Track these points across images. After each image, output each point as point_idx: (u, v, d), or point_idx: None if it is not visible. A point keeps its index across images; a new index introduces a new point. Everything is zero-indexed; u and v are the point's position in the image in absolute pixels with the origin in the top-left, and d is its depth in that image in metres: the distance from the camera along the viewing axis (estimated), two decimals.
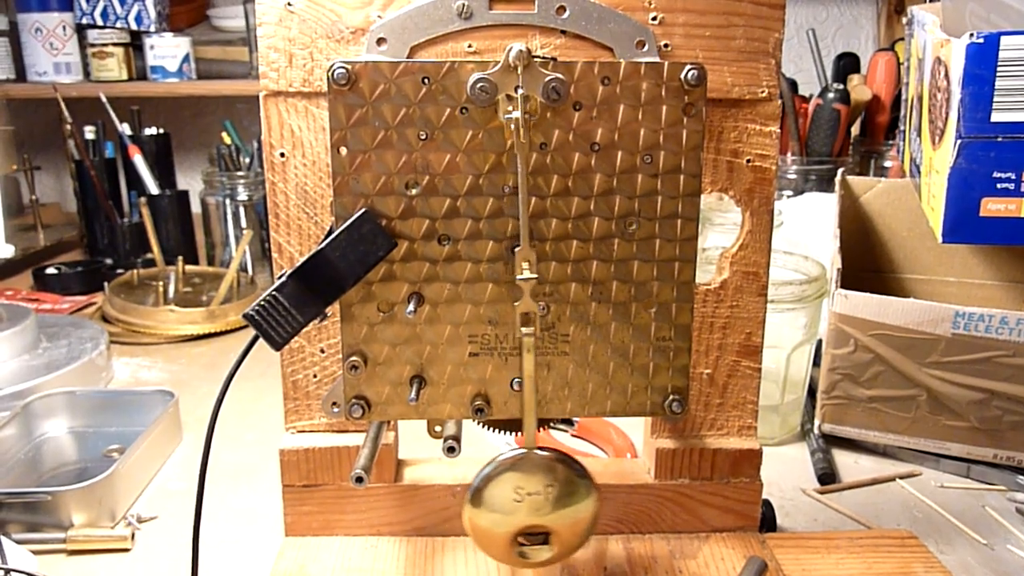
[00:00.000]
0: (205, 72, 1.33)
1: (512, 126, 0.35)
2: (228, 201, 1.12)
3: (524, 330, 0.36)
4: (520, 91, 0.34)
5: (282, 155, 0.45)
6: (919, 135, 0.70)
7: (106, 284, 1.02)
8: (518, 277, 0.35)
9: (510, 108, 0.35)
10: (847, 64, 1.28)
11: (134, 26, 1.22)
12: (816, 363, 0.73)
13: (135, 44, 1.25)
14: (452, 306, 0.38)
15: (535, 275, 0.34)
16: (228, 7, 1.41)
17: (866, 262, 0.82)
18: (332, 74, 0.35)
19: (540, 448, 0.37)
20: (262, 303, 0.34)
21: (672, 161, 0.37)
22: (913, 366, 0.63)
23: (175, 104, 1.38)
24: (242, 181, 1.12)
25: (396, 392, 0.39)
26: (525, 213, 0.35)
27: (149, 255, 1.15)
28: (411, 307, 0.36)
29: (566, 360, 0.39)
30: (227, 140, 1.16)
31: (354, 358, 0.38)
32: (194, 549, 0.39)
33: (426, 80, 0.35)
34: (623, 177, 0.37)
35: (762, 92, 0.46)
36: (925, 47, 0.67)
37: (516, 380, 0.39)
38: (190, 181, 1.46)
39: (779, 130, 0.47)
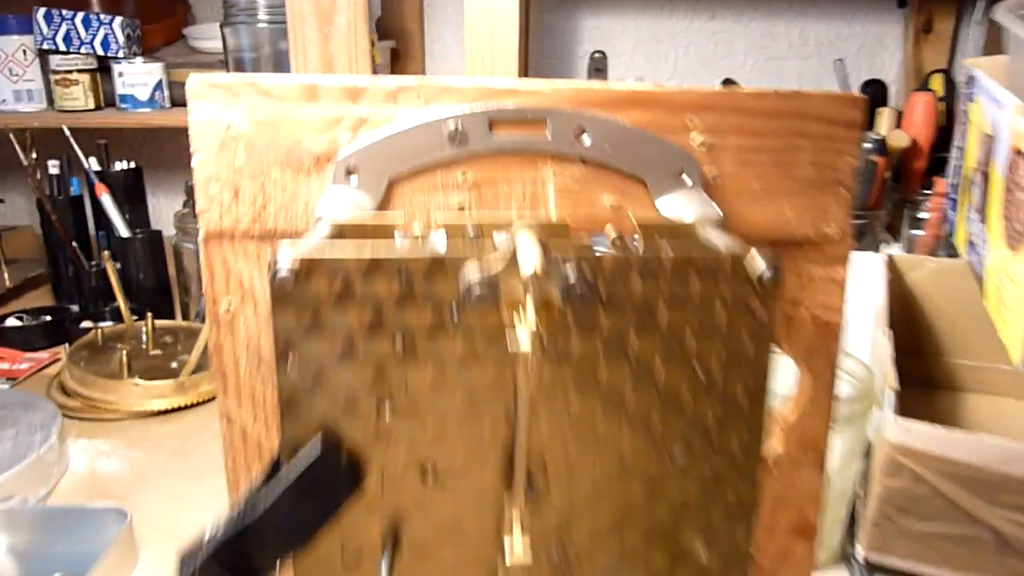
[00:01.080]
0: (180, 98, 1.22)
1: (515, 346, 0.26)
2: None
3: None
4: (530, 317, 0.24)
5: (228, 309, 0.36)
6: (983, 219, 0.61)
7: (66, 346, 0.93)
8: (507, 559, 0.26)
9: (515, 313, 0.26)
10: (875, 94, 1.18)
11: (101, 51, 1.11)
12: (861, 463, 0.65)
13: (103, 70, 1.15)
14: (437, 553, 0.29)
15: (526, 559, 0.25)
16: (207, 24, 1.30)
17: (911, 344, 0.73)
18: (274, 276, 0.25)
19: None
20: None
21: (731, 378, 0.28)
22: (980, 504, 0.54)
23: (147, 135, 1.28)
24: None
25: None
26: (522, 470, 0.26)
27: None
28: (385, 557, 0.27)
29: None
30: None
31: None
32: None
33: (404, 275, 0.26)
34: (664, 398, 0.28)
35: (830, 230, 0.37)
36: (998, 126, 0.58)
37: None
38: (164, 218, 1.36)
39: (848, 276, 0.38)
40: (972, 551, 0.56)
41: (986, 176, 0.60)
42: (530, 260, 0.23)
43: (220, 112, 0.34)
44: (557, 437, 0.27)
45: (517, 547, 0.26)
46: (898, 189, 1.01)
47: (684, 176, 0.35)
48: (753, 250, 0.26)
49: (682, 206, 0.35)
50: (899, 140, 0.94)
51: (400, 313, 0.26)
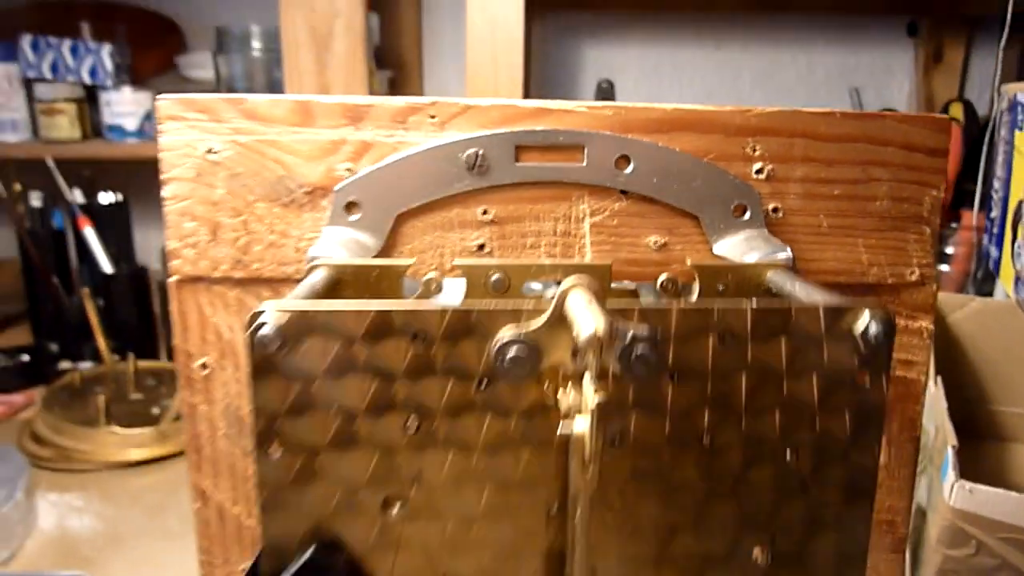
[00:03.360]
0: None
1: (565, 429, 0.20)
2: None
3: None
4: (590, 394, 0.19)
5: (204, 367, 0.30)
6: None
7: (42, 388, 0.87)
8: None
9: (562, 380, 0.20)
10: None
11: (88, 80, 1.07)
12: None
13: (90, 99, 1.10)
14: None
15: None
16: (199, 54, 1.26)
17: (953, 391, 0.67)
18: (253, 336, 0.20)
19: None
20: None
21: (833, 462, 0.22)
22: None
23: (135, 167, 1.23)
24: None
25: None
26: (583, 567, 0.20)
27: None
28: None
29: None
30: None
31: None
32: None
33: (418, 337, 0.20)
34: (748, 487, 0.22)
35: (911, 274, 0.32)
36: None
37: None
38: (149, 253, 1.30)
39: (932, 327, 0.32)
40: None
41: None
42: (588, 318, 0.18)
43: (197, 136, 0.29)
44: (614, 542, 0.21)
45: None
46: None
47: (744, 212, 0.30)
48: (856, 302, 0.21)
49: (742, 247, 0.29)
50: None
51: (413, 384, 0.20)
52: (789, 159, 0.30)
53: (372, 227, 0.29)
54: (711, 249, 0.30)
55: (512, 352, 0.19)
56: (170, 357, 1.01)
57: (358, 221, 0.29)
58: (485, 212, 0.30)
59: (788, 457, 0.21)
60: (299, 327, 0.20)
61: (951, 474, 0.48)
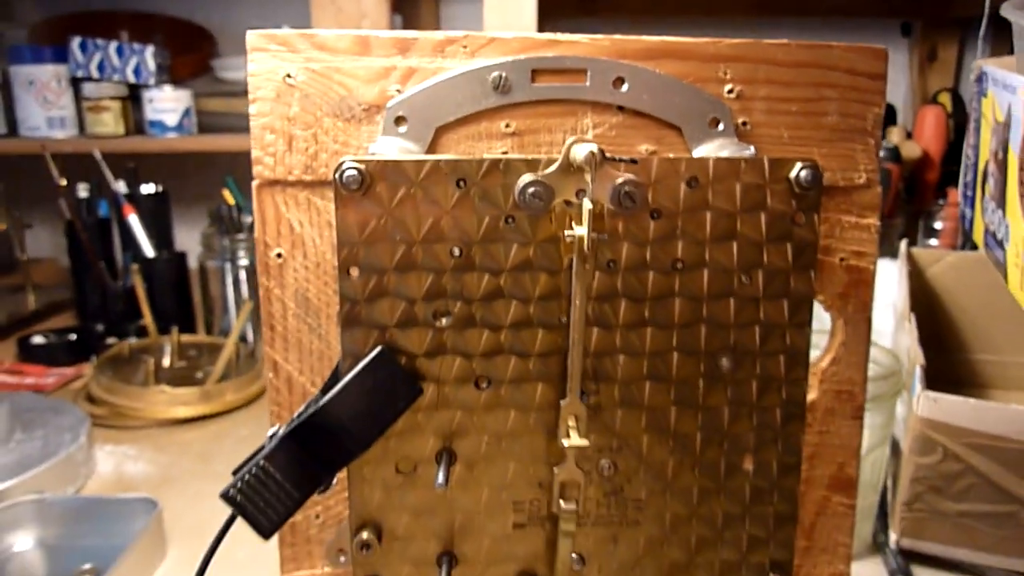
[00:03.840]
0: (207, 126, 1.26)
1: (570, 238, 0.27)
2: (228, 265, 1.04)
3: (563, 505, 0.28)
4: (586, 202, 0.26)
5: (279, 256, 0.37)
6: (1001, 208, 0.63)
7: (94, 357, 0.94)
8: (561, 440, 0.27)
9: (569, 218, 0.27)
10: (884, 115, 1.21)
11: (132, 79, 1.15)
12: (891, 457, 0.64)
13: (133, 97, 1.19)
14: (492, 465, 0.29)
15: (583, 441, 0.26)
16: (233, 57, 1.35)
17: (934, 341, 0.73)
18: (341, 176, 0.27)
19: None
20: (246, 478, 0.26)
21: (776, 282, 0.29)
22: (1013, 480, 0.54)
23: (174, 160, 1.32)
24: (243, 244, 1.04)
25: (420, 573, 0.30)
26: (578, 358, 0.27)
27: (142, 322, 1.07)
28: (441, 474, 0.28)
29: (637, 532, 0.30)
30: (229, 199, 1.09)
31: (365, 533, 0.29)
32: None
33: (462, 183, 0.27)
34: (713, 303, 0.29)
35: (859, 178, 0.38)
36: (1010, 111, 0.59)
37: (575, 556, 0.30)
38: (189, 241, 1.38)
39: (879, 222, 0.39)
40: (1007, 530, 0.55)
41: (1002, 163, 0.62)
42: (585, 147, 0.24)
43: (277, 64, 0.36)
44: (608, 350, 0.28)
45: (575, 438, 0.26)
46: (912, 201, 1.03)
47: (718, 124, 0.37)
48: (796, 160, 0.28)
49: (717, 152, 0.36)
50: (911, 150, 0.96)
51: (456, 219, 0.27)
52: (754, 81, 0.37)
53: (416, 138, 0.36)
54: (692, 155, 0.37)
55: (531, 190, 0.26)
56: (208, 332, 1.09)
57: (405, 133, 0.36)
58: (507, 126, 0.36)
59: (744, 280, 0.28)
60: (373, 172, 0.27)
61: (918, 387, 0.54)
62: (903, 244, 0.70)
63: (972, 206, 0.73)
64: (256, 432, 0.87)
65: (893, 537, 0.60)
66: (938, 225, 0.99)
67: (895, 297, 0.68)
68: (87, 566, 0.59)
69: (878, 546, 0.62)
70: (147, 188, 1.14)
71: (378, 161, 0.27)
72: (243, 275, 1.05)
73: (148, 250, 1.10)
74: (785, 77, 0.37)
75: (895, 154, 0.93)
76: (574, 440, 0.26)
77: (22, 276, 1.27)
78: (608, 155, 0.26)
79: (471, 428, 0.29)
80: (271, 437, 0.27)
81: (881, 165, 0.93)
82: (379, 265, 0.28)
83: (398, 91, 0.36)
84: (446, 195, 0.27)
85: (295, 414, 0.27)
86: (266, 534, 0.27)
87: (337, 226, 0.27)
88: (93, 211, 1.14)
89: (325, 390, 0.28)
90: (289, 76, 0.36)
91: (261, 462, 0.26)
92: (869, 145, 0.38)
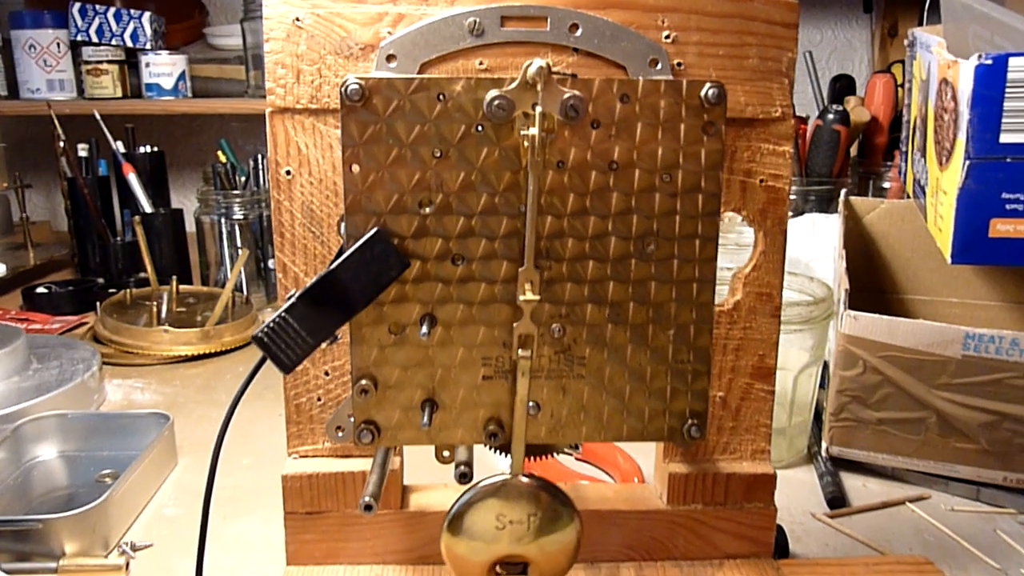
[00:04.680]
0: (201, 90, 1.32)
1: (528, 144, 0.34)
2: (223, 220, 1.11)
3: (521, 352, 0.35)
4: (538, 108, 0.33)
5: (288, 173, 0.44)
6: (923, 156, 0.70)
7: (98, 304, 1.00)
8: (519, 298, 0.34)
9: (527, 125, 0.34)
10: (843, 86, 1.28)
11: (130, 44, 1.21)
12: (823, 385, 0.73)
13: (130, 62, 1.24)
14: (465, 328, 0.37)
15: (536, 296, 0.33)
16: (224, 25, 1.40)
17: (869, 283, 0.81)
18: (345, 90, 0.34)
19: (525, 475, 0.36)
20: (271, 325, 0.33)
21: (691, 180, 0.36)
22: (922, 388, 0.62)
23: (169, 122, 1.37)
24: (237, 200, 1.11)
25: (407, 417, 0.38)
26: (532, 233, 0.34)
27: (141, 275, 1.14)
28: (424, 329, 0.35)
29: (582, 383, 0.38)
30: (222, 158, 1.15)
31: (364, 382, 0.37)
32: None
33: (441, 97, 0.34)
34: (641, 196, 0.36)
35: (775, 112, 0.46)
36: (930, 68, 0.67)
37: (532, 403, 0.38)
38: (183, 200, 1.45)
39: (792, 150, 0.47)
40: (920, 434, 0.64)
41: (924, 116, 0.69)
42: (536, 64, 0.32)
43: (288, 8, 0.43)
44: (558, 234, 0.35)
45: (529, 294, 0.34)
46: (863, 163, 1.11)
47: (657, 64, 0.44)
48: (705, 81, 0.35)
49: None
50: (860, 115, 1.03)
51: (438, 126, 0.34)
52: (687, 29, 0.44)
53: (404, 72, 0.43)
54: None
55: (496, 103, 0.33)
56: (204, 283, 1.15)
57: (395, 68, 0.43)
58: (481, 63, 0.43)
59: (666, 178, 0.35)
60: (371, 88, 0.34)
61: (842, 308, 0.62)
62: (843, 192, 0.77)
63: (906, 160, 0.81)
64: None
65: (824, 446, 0.68)
66: (886, 185, 1.08)
67: (836, 235, 0.76)
68: (106, 471, 0.66)
69: (812, 456, 0.70)
70: (144, 148, 1.20)
71: (375, 79, 0.34)
72: (237, 229, 1.11)
73: (146, 206, 1.16)
74: (713, 26, 0.44)
75: (844, 117, 1.01)
76: (528, 296, 0.34)
77: (22, 234, 1.33)
78: (553, 71, 0.33)
79: (448, 297, 0.37)
80: (289, 298, 0.34)
81: (830, 127, 1.01)
82: (375, 163, 0.35)
83: (389, 33, 0.43)
84: (429, 107, 0.34)
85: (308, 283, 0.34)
86: (286, 370, 0.34)
87: (342, 131, 0.34)
88: (92, 170, 1.20)
89: (334, 260, 0.35)
90: (298, 19, 0.43)
91: (282, 314, 0.33)
92: (784, 84, 0.45)
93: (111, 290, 1.14)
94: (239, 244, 1.11)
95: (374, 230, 0.35)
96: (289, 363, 0.33)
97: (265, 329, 0.33)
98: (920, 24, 1.56)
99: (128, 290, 1.04)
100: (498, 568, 0.37)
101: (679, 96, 0.35)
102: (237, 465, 0.69)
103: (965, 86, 0.55)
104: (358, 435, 0.37)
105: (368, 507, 0.36)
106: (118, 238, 1.20)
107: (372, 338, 0.36)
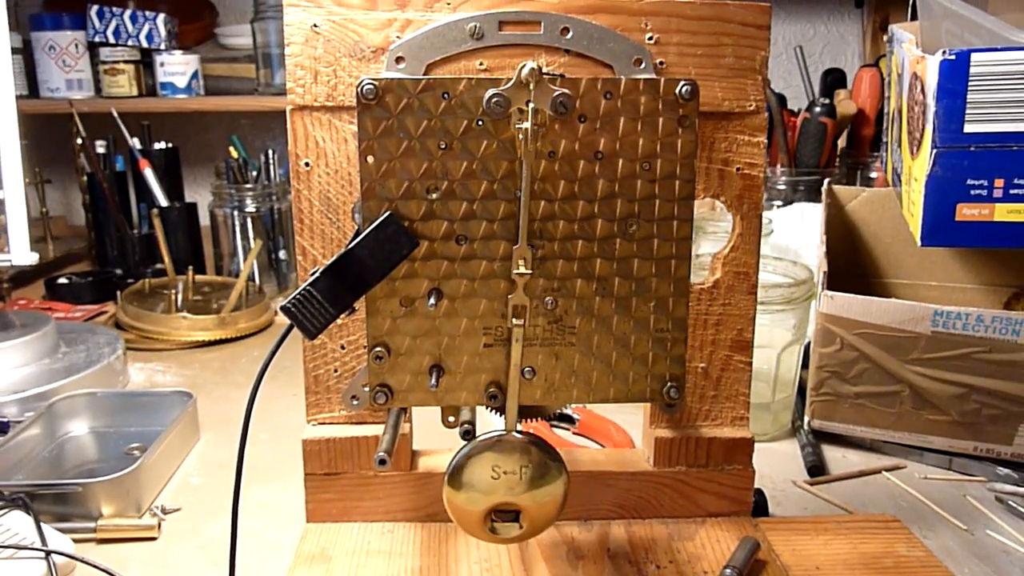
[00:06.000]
0: (212, 88, 1.37)
1: (522, 136, 0.38)
2: (236, 213, 1.15)
3: (515, 321, 0.40)
4: (531, 105, 0.38)
5: (307, 164, 0.49)
6: (900, 146, 0.75)
7: (118, 293, 1.05)
8: (513, 272, 0.39)
9: (521, 120, 0.39)
10: (834, 79, 1.33)
11: (145, 44, 1.25)
12: (805, 363, 0.77)
13: (145, 62, 1.29)
14: (468, 301, 0.41)
15: (529, 271, 0.38)
16: (235, 25, 1.45)
17: (852, 267, 0.85)
18: (361, 90, 0.38)
19: (518, 432, 0.41)
20: (298, 296, 0.38)
21: (668, 168, 0.41)
22: (896, 363, 0.66)
23: (183, 119, 1.42)
24: (250, 193, 1.15)
25: (416, 380, 0.42)
26: (525, 214, 0.39)
27: (159, 266, 1.18)
28: (431, 301, 0.40)
29: (573, 350, 0.42)
30: (234, 154, 1.20)
31: (379, 349, 0.41)
32: (233, 529, 0.42)
33: (446, 95, 0.39)
34: (624, 183, 0.41)
35: (750, 106, 0.50)
36: (904, 63, 0.71)
37: (527, 368, 0.42)
38: (196, 194, 1.49)
39: (766, 141, 0.51)
40: (895, 407, 0.68)
41: (899, 108, 0.73)
42: (528, 65, 0.36)
43: (306, 16, 0.47)
44: (550, 216, 0.40)
45: (522, 268, 0.38)
46: (851, 154, 1.15)
47: (641, 63, 0.48)
48: (680, 79, 0.40)
49: None
50: (847, 107, 1.08)
51: (443, 121, 0.39)
52: (668, 31, 0.48)
53: (411, 73, 0.47)
54: None
55: (494, 100, 0.38)
56: (218, 273, 1.20)
57: (403, 69, 0.47)
58: (481, 63, 0.48)
59: (645, 166, 0.40)
60: (384, 87, 0.38)
61: (820, 289, 0.67)
62: (826, 182, 0.82)
63: (887, 151, 0.85)
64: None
65: (807, 420, 0.73)
66: (873, 175, 1.12)
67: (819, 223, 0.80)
68: (134, 445, 0.71)
69: (795, 430, 0.75)
70: (159, 145, 1.25)
71: (387, 80, 0.38)
72: (249, 222, 1.16)
73: (162, 200, 1.21)
74: (692, 28, 0.49)
75: (831, 110, 1.05)
76: (521, 270, 0.38)
77: (42, 227, 1.38)
78: (544, 72, 0.38)
79: (453, 273, 0.41)
80: (313, 273, 0.38)
81: (817, 119, 1.05)
82: (387, 154, 0.39)
83: (398, 37, 0.47)
84: (435, 104, 0.39)
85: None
86: (311, 336, 0.38)
87: (358, 126, 0.39)
88: (110, 165, 1.25)
89: (351, 241, 0.40)
90: (315, 26, 0.47)
91: (307, 287, 0.38)
92: (757, 81, 0.50)
93: (129, 280, 1.19)
94: (251, 236, 1.16)
95: (387, 214, 0.39)
96: (313, 330, 0.38)
97: (293, 300, 0.37)
98: (912, 19, 1.60)
99: (147, 280, 1.08)
100: (493, 516, 0.42)
101: (657, 93, 0.40)
102: (256, 439, 0.74)
103: (932, 80, 0.59)
104: (374, 396, 0.42)
105: (382, 461, 0.41)
106: (135, 231, 1.25)
107: (385, 310, 0.41)
